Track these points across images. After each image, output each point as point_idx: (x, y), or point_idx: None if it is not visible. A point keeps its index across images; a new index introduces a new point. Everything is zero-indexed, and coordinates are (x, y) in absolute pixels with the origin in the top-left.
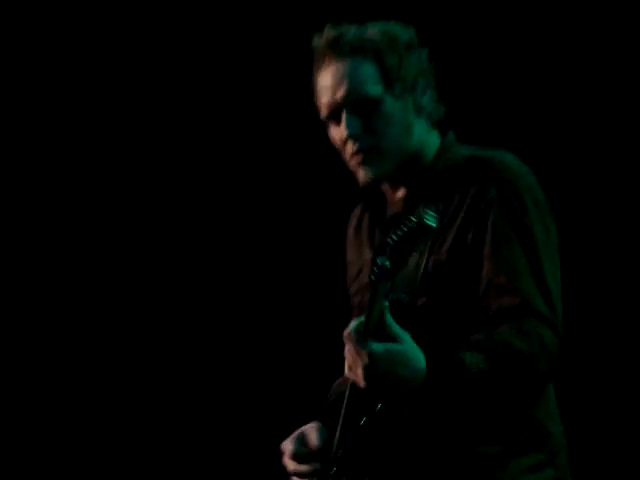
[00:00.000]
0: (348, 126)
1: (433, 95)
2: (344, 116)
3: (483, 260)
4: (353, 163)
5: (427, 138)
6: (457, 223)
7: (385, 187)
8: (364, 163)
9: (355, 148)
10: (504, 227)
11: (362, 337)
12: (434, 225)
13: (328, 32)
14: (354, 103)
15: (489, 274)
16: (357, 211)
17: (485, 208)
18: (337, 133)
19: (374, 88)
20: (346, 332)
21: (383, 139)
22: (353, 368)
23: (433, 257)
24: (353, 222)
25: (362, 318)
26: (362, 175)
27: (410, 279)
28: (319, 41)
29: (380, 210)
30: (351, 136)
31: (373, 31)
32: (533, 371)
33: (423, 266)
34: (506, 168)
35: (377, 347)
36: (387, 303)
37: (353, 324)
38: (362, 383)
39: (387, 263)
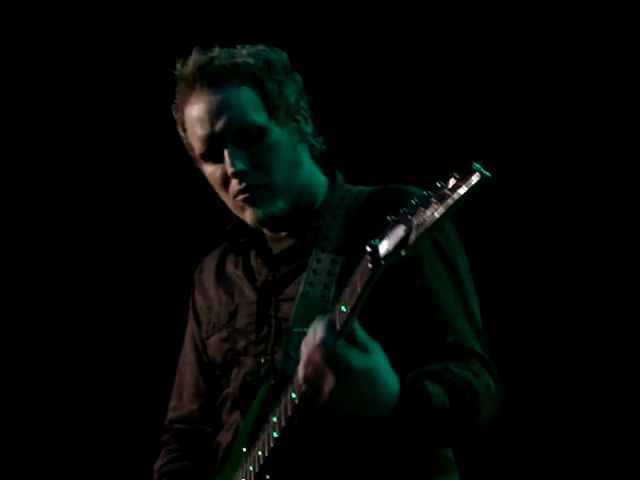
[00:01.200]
0: (234, 162)
1: (312, 127)
2: (227, 151)
3: (416, 294)
4: (238, 202)
5: (313, 173)
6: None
7: (265, 229)
8: (253, 202)
9: (242, 186)
10: (435, 263)
11: (336, 343)
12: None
13: (196, 57)
14: (237, 134)
15: (421, 313)
16: (210, 261)
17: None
18: (215, 170)
19: (258, 116)
20: (317, 335)
21: (274, 174)
22: (317, 378)
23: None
24: (206, 272)
25: (325, 318)
26: (252, 216)
27: (314, 310)
28: (185, 68)
29: (260, 248)
30: (238, 173)
31: (245, 55)
32: (481, 412)
33: (332, 297)
34: None
35: (356, 359)
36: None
37: (322, 324)
38: (325, 398)
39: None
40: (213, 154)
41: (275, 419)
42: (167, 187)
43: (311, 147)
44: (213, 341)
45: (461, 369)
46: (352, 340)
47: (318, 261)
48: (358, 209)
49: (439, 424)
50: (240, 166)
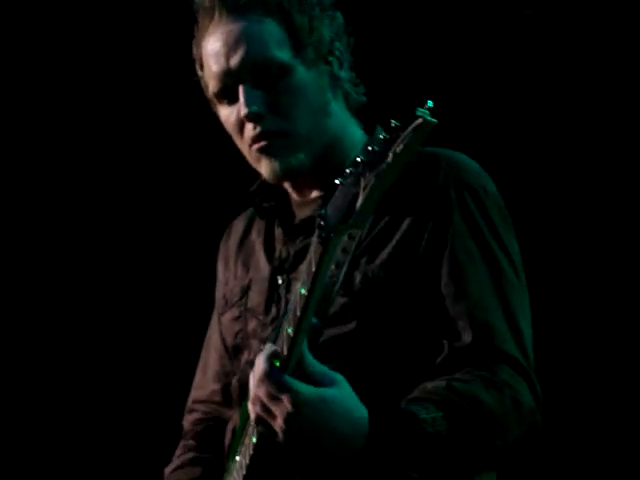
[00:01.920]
0: (248, 102)
1: (351, 74)
2: (242, 89)
3: (437, 280)
4: (254, 151)
5: (347, 126)
6: (400, 231)
7: (289, 184)
8: (270, 152)
9: (257, 131)
10: (466, 243)
11: (281, 375)
12: (436, 122)
13: None
14: (255, 71)
15: (445, 300)
16: (239, 224)
17: (443, 214)
18: (230, 113)
19: (281, 52)
20: (259, 367)
21: (294, 120)
22: (266, 417)
23: (360, 269)
24: (233, 237)
25: (274, 347)
26: (268, 168)
27: (327, 294)
28: None
29: (283, 215)
30: (252, 115)
31: None
32: (503, 436)
33: (340, 282)
34: (464, 169)
35: (306, 390)
36: (315, 320)
37: (264, 354)
38: (281, 437)
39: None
40: (228, 93)
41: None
42: (167, 187)
43: (346, 96)
44: (226, 319)
45: (470, 383)
46: (302, 369)
47: None
48: None
49: (437, 455)
50: (255, 107)
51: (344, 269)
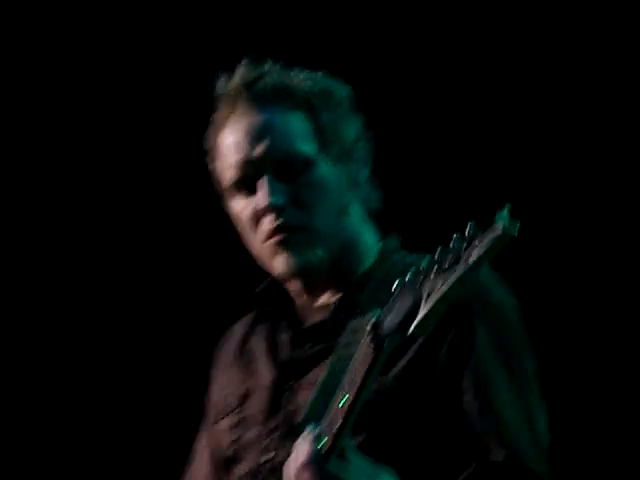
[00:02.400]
0: (272, 193)
1: (371, 178)
2: (264, 180)
3: (459, 393)
4: (271, 245)
5: (363, 230)
6: (417, 342)
7: (295, 286)
8: (288, 246)
9: (277, 223)
10: (492, 355)
11: (327, 462)
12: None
13: (244, 71)
14: (279, 163)
15: (470, 415)
16: (237, 331)
17: (464, 325)
18: (246, 206)
19: (306, 146)
20: (301, 453)
21: (315, 215)
22: None
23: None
24: (231, 344)
25: (317, 430)
26: (284, 263)
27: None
28: (228, 83)
29: (289, 319)
30: (274, 207)
31: (302, 78)
32: None
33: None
34: (485, 278)
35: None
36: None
37: (307, 438)
38: None
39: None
40: (246, 184)
41: None
42: (167, 187)
43: (364, 200)
44: (220, 427)
45: None
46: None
47: (347, 345)
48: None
49: None
50: (277, 199)
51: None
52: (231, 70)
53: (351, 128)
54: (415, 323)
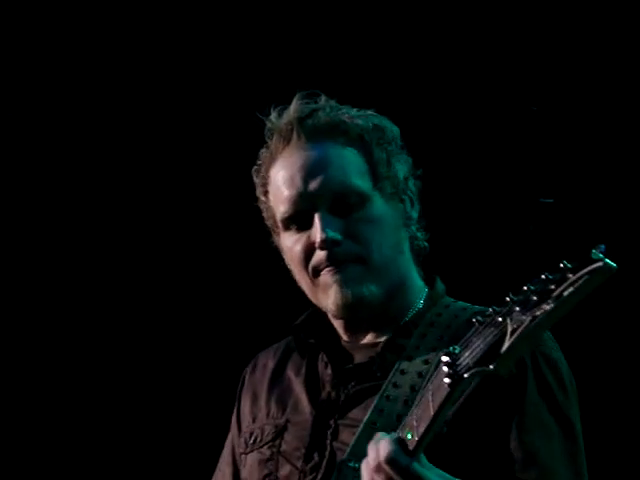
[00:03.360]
0: (327, 227)
1: (419, 217)
2: (319, 214)
3: (505, 447)
4: (322, 279)
5: (411, 270)
6: (469, 389)
7: (342, 322)
8: (342, 278)
9: (332, 257)
10: (540, 411)
11: (411, 463)
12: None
13: (297, 106)
14: (334, 198)
15: (513, 465)
16: (268, 357)
17: (518, 374)
18: (298, 240)
19: (361, 181)
20: (383, 451)
21: (371, 248)
22: None
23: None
24: (263, 371)
25: (391, 435)
26: (337, 295)
27: None
28: (281, 118)
29: (332, 355)
30: (329, 241)
31: (354, 115)
32: None
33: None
34: (542, 337)
35: None
36: None
37: (387, 439)
38: None
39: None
40: (300, 219)
41: None
42: (167, 188)
43: (413, 240)
44: (251, 459)
45: None
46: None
47: (395, 386)
48: (455, 331)
49: None
50: (333, 234)
51: None
52: (281, 103)
53: (402, 166)
54: (499, 357)
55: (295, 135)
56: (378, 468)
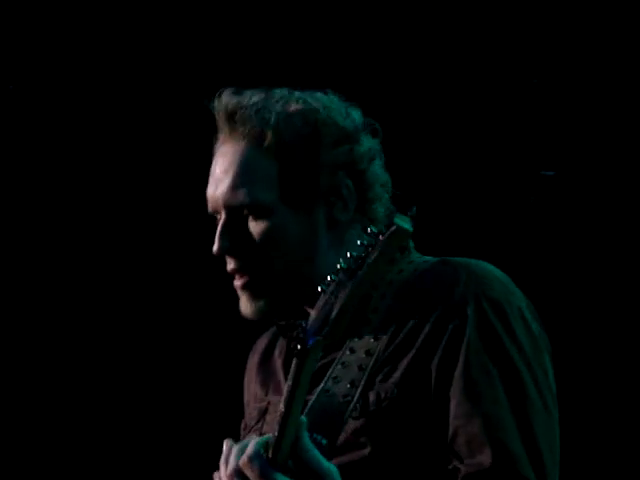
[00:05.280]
0: (219, 238)
1: (357, 216)
2: (219, 223)
3: (450, 400)
4: (235, 285)
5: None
6: (414, 348)
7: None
8: (243, 290)
9: (229, 267)
10: (482, 358)
11: (269, 467)
12: (410, 230)
13: (227, 98)
14: (233, 208)
15: (458, 420)
16: (262, 341)
17: (458, 331)
18: None
19: (264, 193)
20: (243, 458)
21: (266, 262)
22: None
23: (375, 388)
24: (256, 356)
25: (266, 438)
26: (242, 306)
27: (330, 414)
28: (218, 107)
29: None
30: (221, 251)
31: (287, 109)
32: None
33: (356, 399)
34: (487, 281)
35: None
36: (305, 419)
37: (253, 445)
38: None
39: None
40: (215, 218)
41: None
42: (167, 188)
43: (347, 241)
44: None
45: None
46: (295, 454)
47: (351, 351)
48: (410, 287)
49: None
50: (223, 244)
51: (359, 389)
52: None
53: (336, 169)
54: (328, 326)
55: (222, 127)
56: (243, 465)
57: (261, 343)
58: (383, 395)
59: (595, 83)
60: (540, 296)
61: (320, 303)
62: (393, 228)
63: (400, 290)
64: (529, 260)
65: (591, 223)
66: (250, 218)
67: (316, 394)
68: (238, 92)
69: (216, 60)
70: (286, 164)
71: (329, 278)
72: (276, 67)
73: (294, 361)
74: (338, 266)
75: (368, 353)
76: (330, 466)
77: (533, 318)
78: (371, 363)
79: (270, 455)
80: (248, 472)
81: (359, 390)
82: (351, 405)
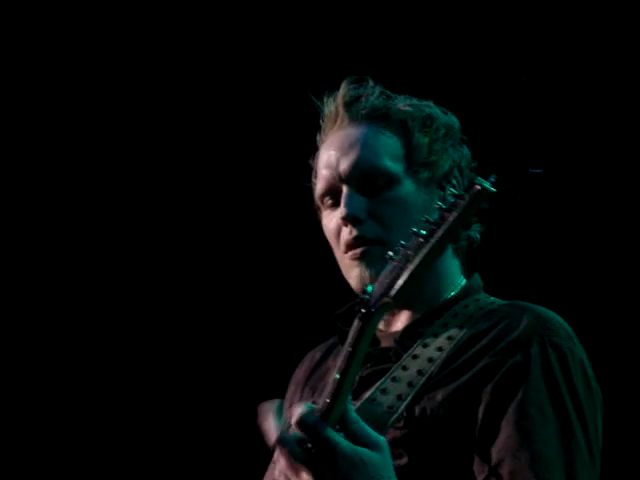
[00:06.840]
0: (349, 204)
1: None
2: (345, 192)
3: (500, 429)
4: (347, 258)
5: (449, 262)
6: (469, 374)
7: None
8: (364, 260)
9: (353, 235)
10: (541, 398)
11: (322, 425)
12: (493, 190)
13: (345, 89)
14: (362, 177)
15: (506, 450)
16: (317, 352)
17: (519, 367)
18: (332, 218)
19: (392, 164)
20: (295, 416)
21: (394, 231)
22: (295, 468)
23: (421, 404)
24: (309, 363)
25: (313, 405)
26: (358, 277)
27: (373, 421)
28: (331, 100)
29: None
30: (350, 217)
31: (404, 103)
32: None
33: (402, 410)
34: (554, 328)
35: (345, 444)
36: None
37: (303, 408)
38: None
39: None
40: (332, 196)
41: None
42: (167, 188)
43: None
44: None
45: None
46: (344, 425)
47: (404, 368)
48: (476, 322)
49: None
50: (354, 210)
51: (406, 402)
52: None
53: (450, 155)
54: (395, 287)
55: (339, 119)
56: (291, 428)
57: (315, 353)
58: (429, 412)
59: (583, 80)
60: (528, 295)
61: (386, 271)
62: (477, 187)
63: (464, 323)
64: (517, 259)
65: (579, 221)
66: (377, 187)
67: (362, 401)
68: (356, 85)
69: (216, 60)
70: (408, 144)
71: (400, 244)
72: (276, 67)
73: (356, 325)
74: (410, 231)
75: (420, 372)
76: (379, 436)
77: (592, 374)
78: (422, 382)
79: (323, 414)
80: (302, 427)
81: (405, 403)
82: (395, 415)
